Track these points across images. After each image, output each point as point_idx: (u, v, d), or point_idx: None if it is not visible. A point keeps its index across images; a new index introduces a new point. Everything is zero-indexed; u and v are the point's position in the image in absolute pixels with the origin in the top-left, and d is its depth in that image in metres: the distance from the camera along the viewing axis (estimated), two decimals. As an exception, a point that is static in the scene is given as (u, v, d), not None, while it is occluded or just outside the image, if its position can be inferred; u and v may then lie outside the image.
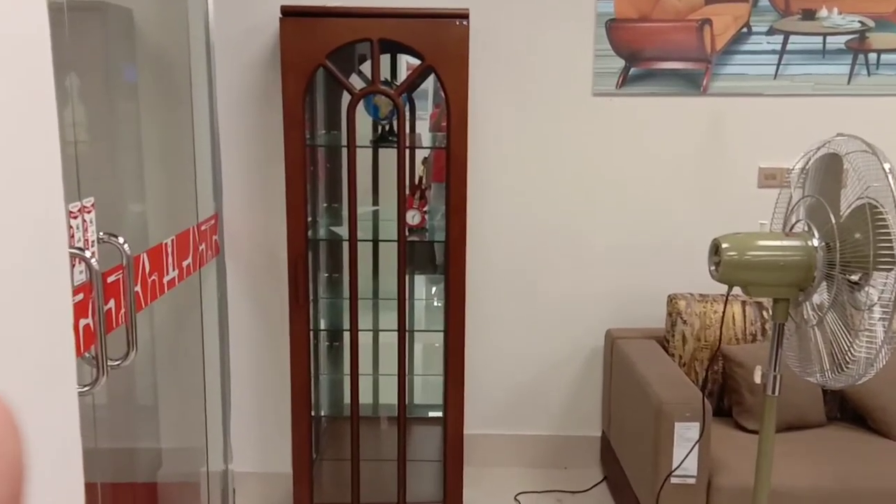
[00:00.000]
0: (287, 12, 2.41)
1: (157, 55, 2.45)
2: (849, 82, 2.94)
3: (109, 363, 1.68)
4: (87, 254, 1.53)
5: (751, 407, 2.63)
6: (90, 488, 1.75)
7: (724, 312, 1.98)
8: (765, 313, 2.79)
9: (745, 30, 2.90)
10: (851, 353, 1.78)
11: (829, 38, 2.91)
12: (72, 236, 1.52)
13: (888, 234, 1.70)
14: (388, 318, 3.06)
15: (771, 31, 2.90)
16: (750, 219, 3.01)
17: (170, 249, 2.20)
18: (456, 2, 2.78)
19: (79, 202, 1.56)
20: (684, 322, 2.79)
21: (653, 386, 2.45)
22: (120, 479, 2.13)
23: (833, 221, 1.82)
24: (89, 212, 1.60)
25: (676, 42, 2.90)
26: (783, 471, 2.38)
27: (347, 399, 2.81)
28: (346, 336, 2.80)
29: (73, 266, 1.53)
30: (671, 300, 2.84)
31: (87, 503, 1.13)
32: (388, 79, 2.91)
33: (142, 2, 2.36)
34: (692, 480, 2.33)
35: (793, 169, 2.03)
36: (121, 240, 1.69)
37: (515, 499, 2.98)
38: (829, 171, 1.89)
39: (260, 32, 2.66)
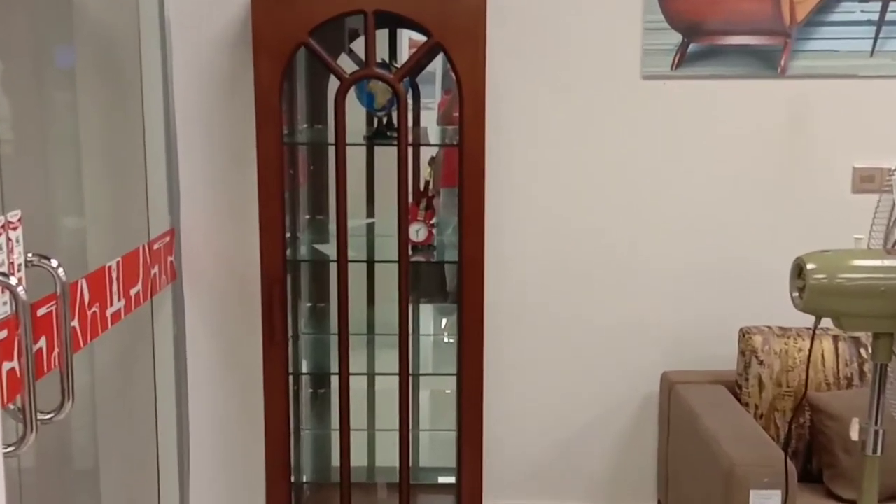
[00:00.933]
0: (260, -21, 2.44)
1: (98, 33, 2.48)
2: (966, 59, 2.94)
3: (39, 417, 1.68)
4: (13, 280, 1.53)
5: (846, 470, 2.61)
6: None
7: (810, 350, 1.97)
8: (863, 351, 2.77)
9: (833, -5, 2.91)
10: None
11: (940, 5, 2.91)
12: (-7, 259, 1.53)
13: None
14: (387, 359, 3.04)
15: (866, -3, 2.91)
16: (842, 232, 2.96)
17: (115, 274, 2.21)
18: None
19: (1, 216, 1.57)
20: (761, 363, 2.78)
21: (722, 444, 2.43)
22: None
23: (948, 236, 1.81)
24: (15, 228, 1.60)
25: (747, 11, 2.90)
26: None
27: (336, 461, 2.80)
28: (334, 381, 2.80)
29: (-7, 296, 1.54)
30: (744, 335, 2.82)
31: None
32: (386, 60, 2.92)
33: (81, -33, 2.38)
34: (772, 564, 2.31)
35: (894, 170, 2.02)
36: (54, 263, 1.69)
37: (548, 587, 2.96)
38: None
39: (226, 4, 2.68)
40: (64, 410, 1.72)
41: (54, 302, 1.75)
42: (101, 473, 2.44)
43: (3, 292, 1.55)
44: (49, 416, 1.71)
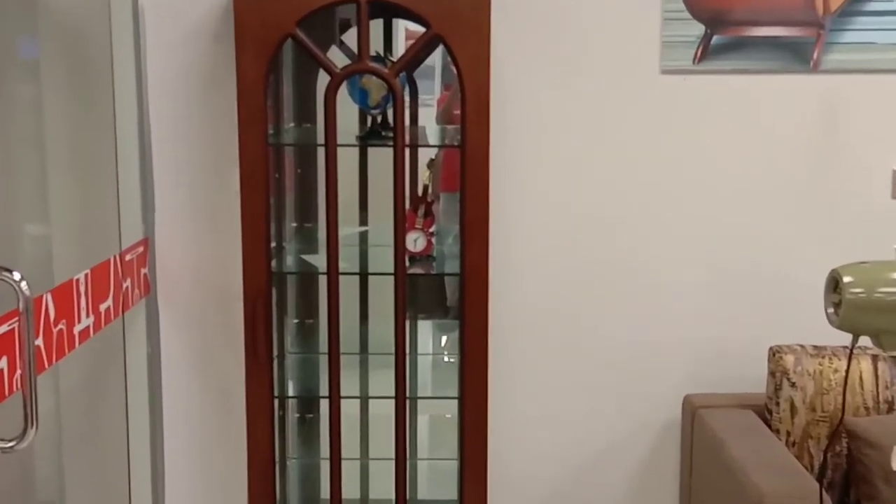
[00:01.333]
0: (243, -36, 2.44)
1: (66, 23, 2.48)
2: None
3: (2, 446, 1.68)
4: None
5: (887, 502, 2.60)
6: None
7: (847, 372, 1.97)
8: (904, 370, 2.77)
9: (870, -19, 2.91)
10: None
11: None
12: (-51, 271, 1.53)
13: None
14: (382, 381, 3.02)
15: (907, -16, 2.91)
16: (881, 242, 2.97)
17: (83, 288, 2.20)
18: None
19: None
20: (793, 385, 2.77)
21: (750, 474, 2.42)
22: None
23: None
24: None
25: (776, 0, 2.91)
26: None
27: (326, 492, 2.79)
28: (324, 405, 2.79)
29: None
30: (774, 355, 2.82)
31: None
32: (381, 53, 2.92)
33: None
34: None
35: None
36: (16, 276, 1.69)
37: None
38: None
39: (205, -9, 2.69)
40: (27, 438, 1.71)
41: (16, 319, 1.74)
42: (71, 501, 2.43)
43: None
44: (10, 444, 1.70)
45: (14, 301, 1.72)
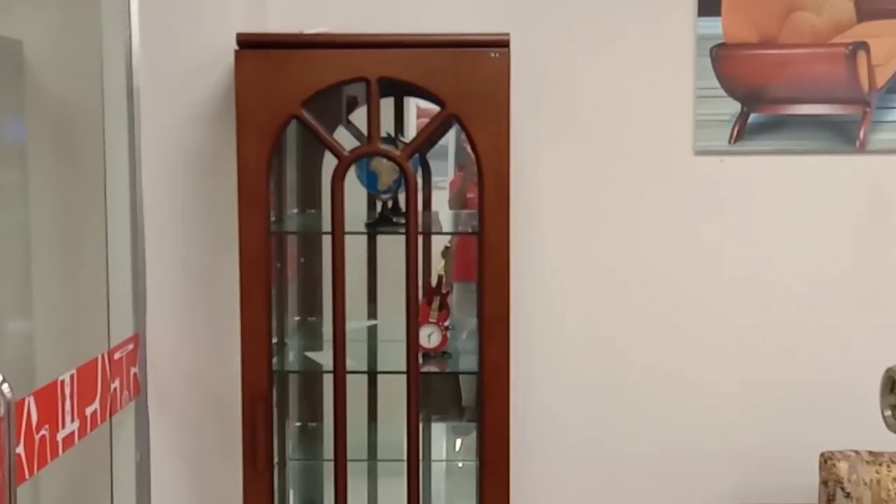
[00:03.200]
0: (245, 43, 2.48)
1: (56, 105, 2.51)
2: None
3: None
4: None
5: None
6: None
7: (906, 482, 1.94)
8: (970, 480, 2.72)
9: (918, 56, 2.94)
10: None
11: None
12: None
13: None
14: (392, 490, 2.99)
15: (958, 57, 2.94)
16: (939, 337, 2.96)
17: (68, 390, 2.19)
18: (488, 24, 2.80)
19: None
20: (847, 495, 2.72)
21: None
22: None
23: None
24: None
25: (818, 76, 2.94)
26: None
27: None
28: (330, 518, 2.76)
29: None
30: (826, 462, 2.77)
31: None
32: (391, 133, 2.95)
33: (36, 30, 2.42)
34: None
35: None
36: (-2, 377, 1.69)
37: None
38: None
39: (206, 72, 2.70)
40: (5, 558, 1.69)
41: (-3, 424, 1.74)
42: None
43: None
44: (-13, 564, 1.68)
45: (-3, 406, 1.72)
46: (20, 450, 1.91)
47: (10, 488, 1.72)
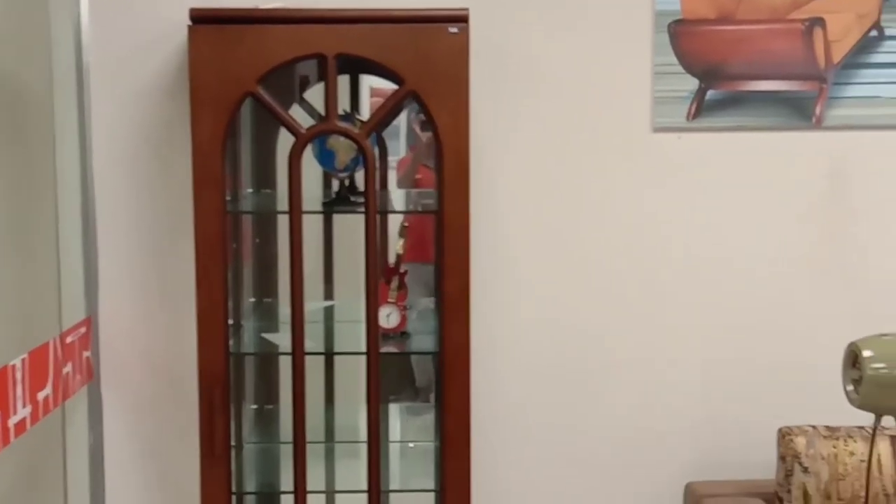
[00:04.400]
0: (199, 17, 2.43)
1: (2, 82, 2.45)
2: None
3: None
4: None
5: None
6: None
7: (870, 457, 1.94)
8: (926, 452, 2.74)
9: (874, 33, 2.93)
10: None
11: None
12: None
13: None
14: (350, 473, 2.95)
15: (913, 35, 2.94)
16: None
17: (18, 375, 2.14)
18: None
19: None
20: (805, 470, 2.73)
21: (763, 572, 2.38)
22: None
23: None
24: None
25: (775, 52, 2.92)
26: None
27: None
28: (287, 501, 2.72)
29: None
30: (784, 437, 2.78)
31: None
32: (347, 111, 2.91)
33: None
34: None
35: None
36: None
37: None
38: None
39: (158, 47, 2.65)
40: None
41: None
42: None
43: None
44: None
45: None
46: (-30, 437, 1.87)
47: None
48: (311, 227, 2.88)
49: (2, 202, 2.38)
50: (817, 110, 2.95)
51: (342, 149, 2.64)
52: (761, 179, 2.98)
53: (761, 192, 2.99)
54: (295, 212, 2.49)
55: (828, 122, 2.96)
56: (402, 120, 3.16)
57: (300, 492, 2.57)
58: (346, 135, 2.51)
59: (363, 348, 2.58)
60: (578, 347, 3.02)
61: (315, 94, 2.70)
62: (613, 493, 3.06)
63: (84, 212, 2.66)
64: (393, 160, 3.15)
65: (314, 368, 2.95)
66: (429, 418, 3.10)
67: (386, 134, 3.05)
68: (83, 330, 2.62)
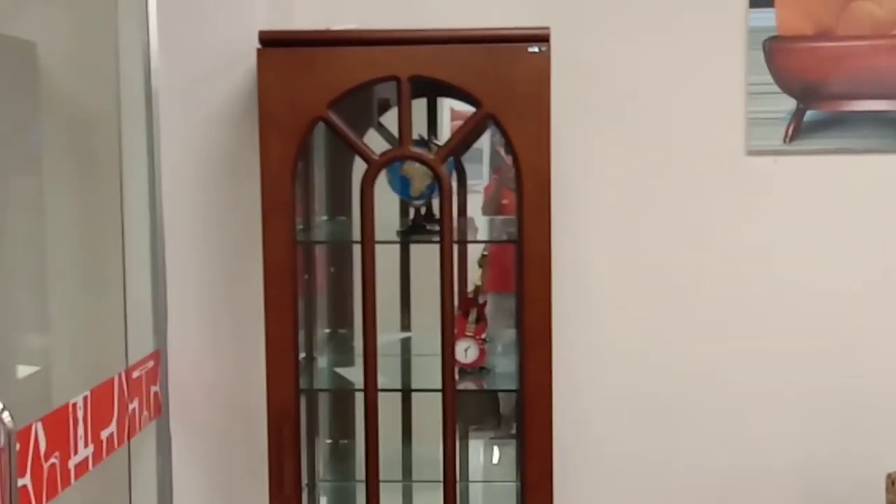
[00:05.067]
0: (268, 41, 2.37)
1: (71, 109, 2.42)
2: None
3: None
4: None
5: None
6: None
7: None
8: None
9: None
10: None
11: None
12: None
13: None
14: (429, 512, 2.90)
15: None
16: None
17: (80, 413, 2.08)
18: (526, 17, 2.71)
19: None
20: (915, 519, 2.57)
21: None
22: None
23: None
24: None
25: (878, 70, 2.80)
26: None
27: None
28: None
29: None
30: (893, 484, 2.62)
31: None
32: (424, 136, 2.83)
33: (51, 31, 2.34)
34: None
35: None
36: (-2, 405, 1.58)
37: None
38: None
39: (227, 72, 2.60)
40: None
41: (-4, 457, 1.62)
42: None
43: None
44: None
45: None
46: (26, 480, 1.80)
47: (11, 525, 1.60)
48: (389, 255, 2.84)
49: (70, 230, 2.35)
50: (924, 131, 2.81)
51: (417, 175, 2.57)
52: (863, 205, 2.85)
53: (862, 219, 2.86)
54: (367, 241, 2.41)
55: (935, 144, 2.81)
56: (485, 143, 3.08)
57: (374, 534, 2.47)
58: (421, 161, 2.42)
59: (439, 384, 2.47)
60: (665, 380, 2.92)
61: (392, 119, 2.62)
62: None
63: (152, 241, 2.61)
64: (476, 185, 3.07)
65: (391, 402, 2.90)
66: (511, 452, 3.00)
67: (468, 158, 2.96)
68: (151, 364, 2.56)
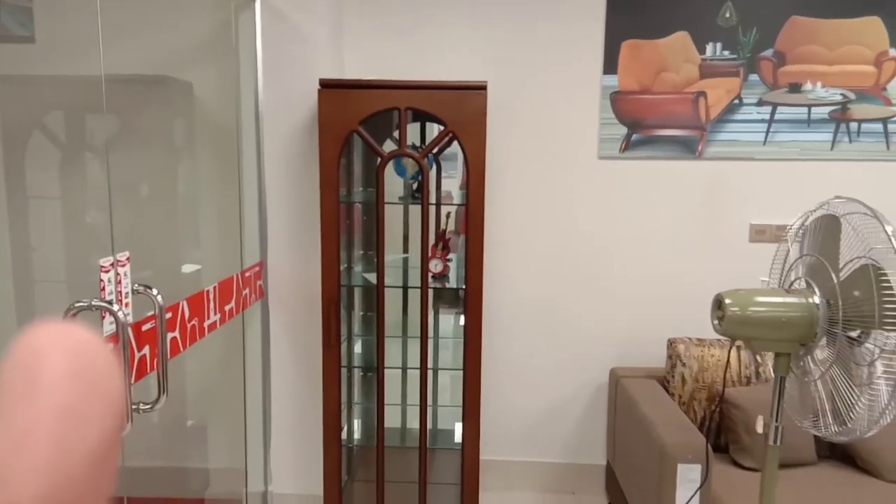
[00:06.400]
0: (325, 84, 2.23)
1: (211, 123, 2.29)
2: (832, 148, 2.67)
3: (142, 407, 1.46)
4: (115, 307, 1.31)
5: (747, 446, 2.32)
6: (147, 503, 1.52)
7: (728, 360, 1.70)
8: (758, 357, 2.49)
9: (736, 101, 2.65)
10: (857, 409, 1.49)
11: (813, 109, 2.65)
12: (103, 289, 1.31)
13: (893, 294, 1.42)
14: (413, 354, 2.82)
15: (760, 103, 2.65)
16: (743, 270, 2.72)
17: (212, 296, 1.99)
18: (477, 74, 2.58)
19: (111, 257, 1.35)
20: (683, 364, 2.50)
21: (657, 427, 2.16)
22: (174, 495, 1.90)
23: (835, 280, 1.54)
24: (123, 265, 1.39)
25: (674, 112, 2.66)
26: (781, 512, 2.06)
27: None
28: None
29: (102, 318, 1.32)
30: (671, 344, 2.55)
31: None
32: (417, 143, 2.70)
33: (201, 76, 2.20)
34: (694, 519, 2.03)
35: (790, 228, 1.77)
36: (154, 291, 1.48)
37: (527, 523, 2.69)
38: (827, 231, 1.63)
39: (302, 102, 2.47)
40: (160, 402, 1.49)
41: (154, 320, 1.53)
42: (207, 434, 2.21)
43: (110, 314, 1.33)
44: (149, 407, 1.48)
45: (155, 309, 1.51)
46: (176, 333, 1.71)
47: (162, 362, 1.51)
48: (396, 211, 2.73)
49: (212, 194, 2.24)
50: (699, 148, 2.68)
51: (410, 165, 2.45)
52: (664, 189, 2.74)
53: (664, 196, 2.75)
54: (380, 202, 2.29)
55: (706, 156, 2.69)
56: (459, 150, 2.95)
57: (381, 366, 2.39)
58: (411, 157, 2.29)
59: (419, 284, 2.37)
60: (551, 286, 2.83)
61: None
62: (568, 372, 2.87)
63: (259, 198, 2.51)
64: (453, 173, 2.93)
65: (395, 294, 2.80)
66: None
67: (447, 157, 2.82)
68: (257, 268, 2.47)
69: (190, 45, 2.09)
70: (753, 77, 2.63)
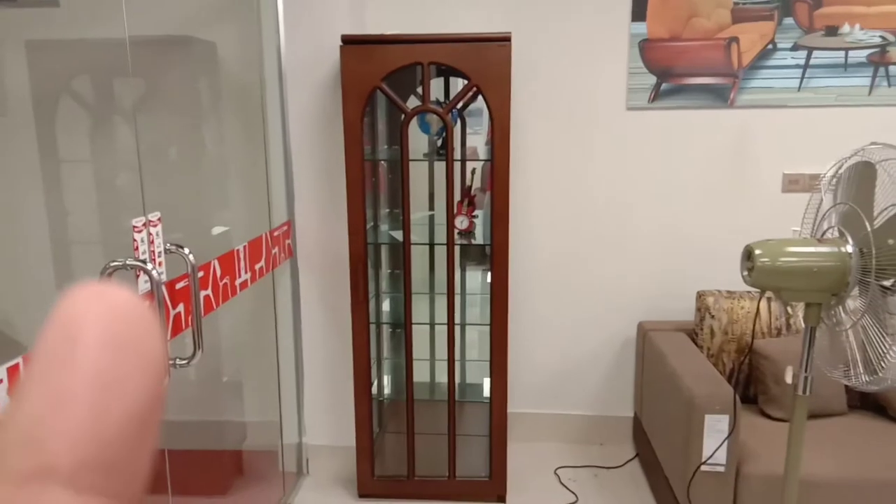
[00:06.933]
0: (347, 41, 2.21)
1: (236, 82, 2.30)
2: (870, 93, 2.58)
3: (179, 363, 1.51)
4: (149, 266, 1.35)
5: (776, 397, 2.32)
6: (187, 455, 1.59)
7: (757, 312, 1.69)
8: (789, 308, 2.46)
9: (770, 46, 2.56)
10: (888, 358, 1.48)
11: (851, 53, 2.55)
12: (136, 249, 1.35)
13: (930, 242, 1.39)
14: (441, 310, 2.85)
15: (795, 48, 2.56)
16: (775, 221, 2.67)
17: (242, 255, 2.03)
18: (500, 26, 2.53)
19: (143, 217, 1.38)
20: (712, 317, 2.49)
21: (684, 379, 2.17)
22: (212, 448, 1.98)
23: (868, 228, 1.51)
24: (155, 225, 1.42)
25: (705, 59, 2.58)
26: (807, 460, 2.07)
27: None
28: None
29: (137, 276, 1.36)
30: (700, 296, 2.54)
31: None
32: (441, 99, 2.67)
33: (224, 36, 2.19)
34: (721, 469, 2.05)
35: (823, 176, 1.73)
36: (186, 250, 1.51)
37: (555, 472, 2.74)
38: (862, 178, 1.58)
39: (324, 59, 2.46)
40: (196, 358, 1.54)
41: (187, 279, 1.57)
42: (243, 388, 2.28)
43: (144, 273, 1.37)
44: (185, 362, 1.53)
45: (187, 268, 1.55)
46: (208, 291, 1.75)
47: (197, 318, 1.56)
48: (420, 168, 2.72)
49: (238, 153, 2.26)
50: (731, 96, 2.61)
51: (434, 122, 2.43)
52: (695, 139, 2.68)
53: (695, 146, 2.68)
54: (405, 159, 2.29)
55: (738, 104, 2.62)
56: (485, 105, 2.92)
57: (408, 322, 2.43)
58: (434, 112, 2.27)
59: (445, 241, 2.38)
60: (578, 240, 2.80)
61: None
62: (596, 326, 2.87)
63: (285, 158, 2.52)
64: (478, 129, 2.91)
65: (421, 252, 2.82)
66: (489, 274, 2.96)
67: (473, 113, 2.78)
68: (285, 228, 2.50)
69: (212, 3, 2.08)
70: (788, 20, 2.54)
